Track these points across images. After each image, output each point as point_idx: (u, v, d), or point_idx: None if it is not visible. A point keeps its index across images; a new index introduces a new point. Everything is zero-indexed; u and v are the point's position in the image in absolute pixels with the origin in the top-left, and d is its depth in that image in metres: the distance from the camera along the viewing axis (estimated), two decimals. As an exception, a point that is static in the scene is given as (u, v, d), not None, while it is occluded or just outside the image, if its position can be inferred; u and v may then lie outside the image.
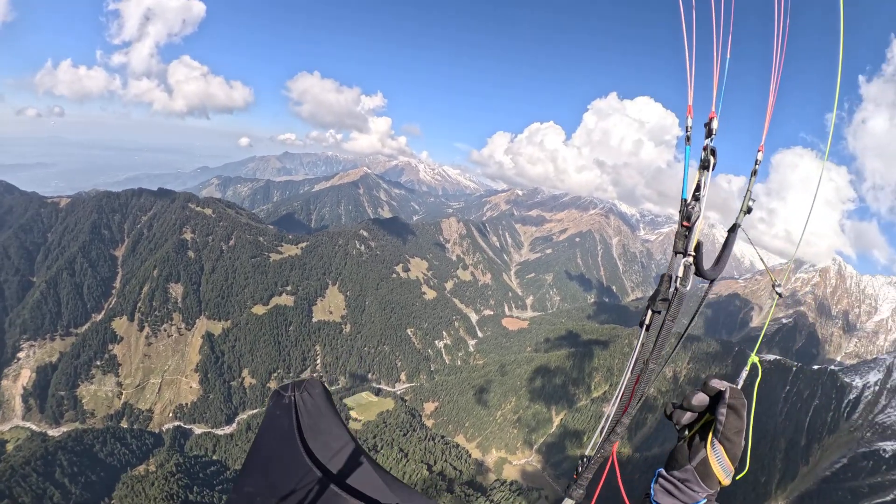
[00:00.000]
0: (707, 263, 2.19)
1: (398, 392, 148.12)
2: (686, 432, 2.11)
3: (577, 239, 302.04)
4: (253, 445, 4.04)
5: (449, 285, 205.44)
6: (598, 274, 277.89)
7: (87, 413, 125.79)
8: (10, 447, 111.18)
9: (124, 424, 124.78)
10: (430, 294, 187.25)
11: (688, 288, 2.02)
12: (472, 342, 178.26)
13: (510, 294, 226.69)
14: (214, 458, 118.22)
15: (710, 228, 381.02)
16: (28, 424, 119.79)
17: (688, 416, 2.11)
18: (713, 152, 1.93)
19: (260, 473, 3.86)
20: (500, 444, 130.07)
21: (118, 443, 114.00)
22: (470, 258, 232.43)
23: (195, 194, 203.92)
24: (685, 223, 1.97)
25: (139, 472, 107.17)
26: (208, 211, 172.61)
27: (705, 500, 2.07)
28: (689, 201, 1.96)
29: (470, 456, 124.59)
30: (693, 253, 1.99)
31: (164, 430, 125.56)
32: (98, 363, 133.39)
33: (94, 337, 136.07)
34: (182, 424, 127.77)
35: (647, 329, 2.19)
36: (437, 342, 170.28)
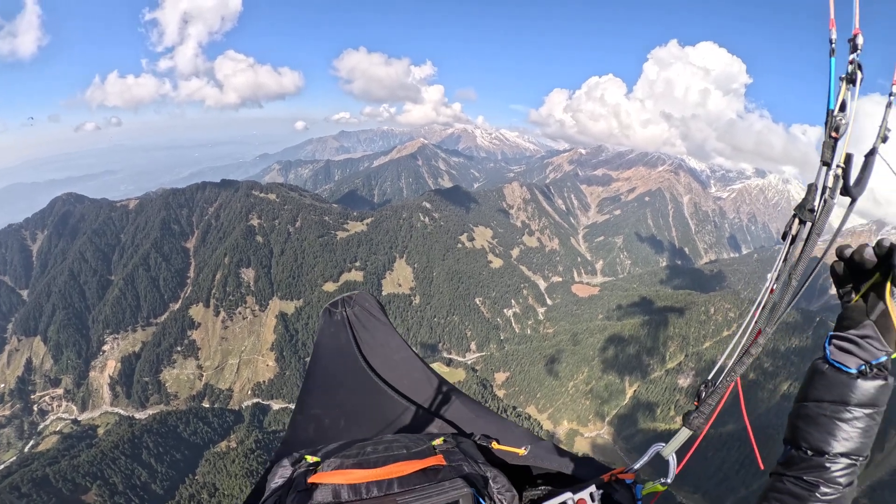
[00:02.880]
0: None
1: (469, 362, 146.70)
2: (851, 296, 1.98)
3: (647, 198, 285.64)
4: (310, 367, 3.98)
5: (515, 252, 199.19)
6: (670, 235, 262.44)
7: (171, 396, 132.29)
8: (100, 431, 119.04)
9: (206, 404, 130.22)
10: (497, 262, 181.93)
11: (835, 200, 1.89)
12: (541, 310, 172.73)
13: (579, 259, 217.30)
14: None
15: (785, 184, 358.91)
16: (116, 410, 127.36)
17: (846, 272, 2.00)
18: (860, 66, 1.82)
19: (324, 393, 3.84)
20: (572, 415, 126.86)
21: (200, 422, 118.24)
22: (535, 223, 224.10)
23: (258, 181, 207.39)
24: (833, 134, 1.84)
25: (221, 448, 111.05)
26: (272, 196, 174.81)
27: (885, 359, 1.91)
28: (835, 112, 1.84)
29: (542, 427, 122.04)
30: (843, 165, 1.85)
31: (243, 407, 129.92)
32: (178, 349, 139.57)
33: (173, 325, 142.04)
34: (260, 401, 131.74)
35: (793, 241, 2.04)
36: (505, 311, 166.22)
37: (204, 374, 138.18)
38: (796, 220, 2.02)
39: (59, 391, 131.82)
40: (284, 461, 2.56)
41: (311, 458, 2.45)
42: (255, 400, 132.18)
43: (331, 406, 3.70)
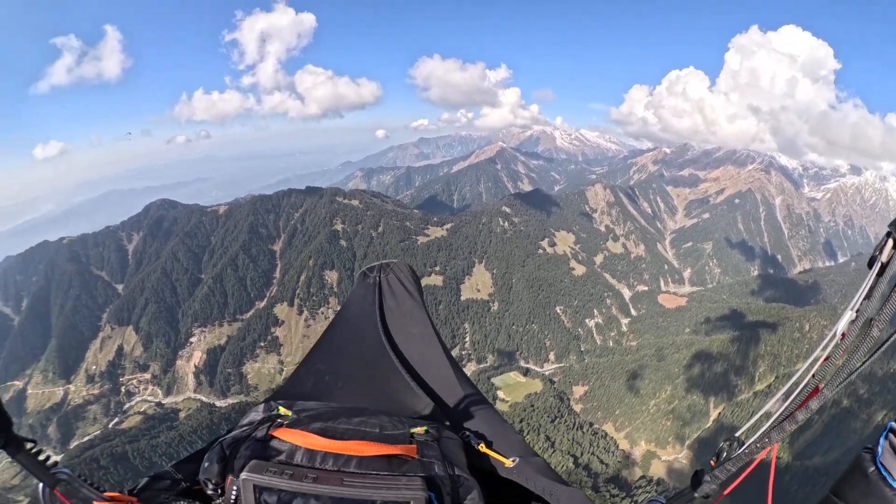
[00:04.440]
0: None
1: (546, 373, 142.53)
2: None
3: (737, 200, 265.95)
4: (331, 324, 3.96)
5: (598, 259, 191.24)
6: (762, 241, 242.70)
7: (251, 387, 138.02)
8: (181, 415, 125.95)
9: None
10: (579, 269, 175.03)
11: None
12: (625, 321, 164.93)
13: (665, 267, 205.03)
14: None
15: (883, 182, 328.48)
16: (198, 396, 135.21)
17: None
18: None
19: (333, 350, 3.80)
20: (651, 436, 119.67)
21: None
22: (620, 228, 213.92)
23: (341, 188, 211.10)
24: None
25: None
26: (355, 202, 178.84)
27: None
28: None
29: (617, 447, 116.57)
30: None
31: None
32: (262, 344, 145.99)
33: (257, 321, 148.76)
34: None
35: (882, 271, 1.44)
36: (587, 321, 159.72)
37: (284, 368, 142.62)
38: (889, 241, 1.45)
39: (147, 376, 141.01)
40: (260, 406, 2.55)
41: (283, 411, 2.42)
42: None
43: (335, 365, 3.62)
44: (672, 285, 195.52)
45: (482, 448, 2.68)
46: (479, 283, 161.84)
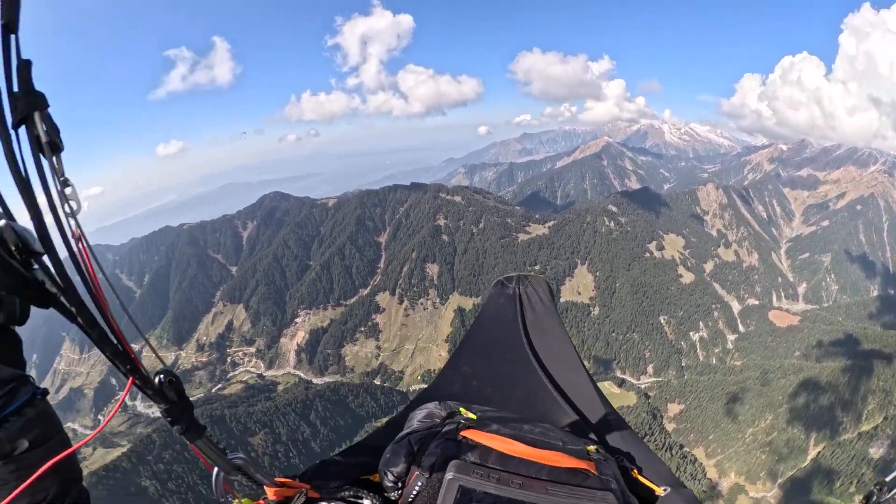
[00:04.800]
0: None
1: (642, 386, 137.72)
2: None
3: (858, 206, 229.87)
4: (471, 328, 4.16)
5: (708, 266, 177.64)
6: (884, 255, 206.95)
7: (348, 369, 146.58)
8: (279, 388, 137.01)
9: (377, 381, 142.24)
10: (687, 277, 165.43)
11: None
12: (731, 337, 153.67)
13: (779, 279, 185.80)
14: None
15: None
16: (297, 372, 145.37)
17: None
18: None
19: (478, 355, 3.91)
20: (742, 468, 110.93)
21: (368, 396, 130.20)
22: (733, 233, 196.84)
23: (444, 184, 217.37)
24: None
25: (380, 424, 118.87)
26: (457, 198, 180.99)
27: None
28: None
29: (705, 475, 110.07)
30: None
31: (410, 390, 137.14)
32: (362, 329, 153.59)
33: (360, 308, 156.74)
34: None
35: None
36: (691, 334, 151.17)
37: (381, 354, 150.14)
38: None
39: (252, 349, 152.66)
40: (432, 405, 2.56)
41: (465, 412, 2.37)
42: (423, 386, 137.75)
43: (482, 369, 3.70)
44: (785, 301, 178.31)
45: (635, 473, 2.61)
46: (580, 286, 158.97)
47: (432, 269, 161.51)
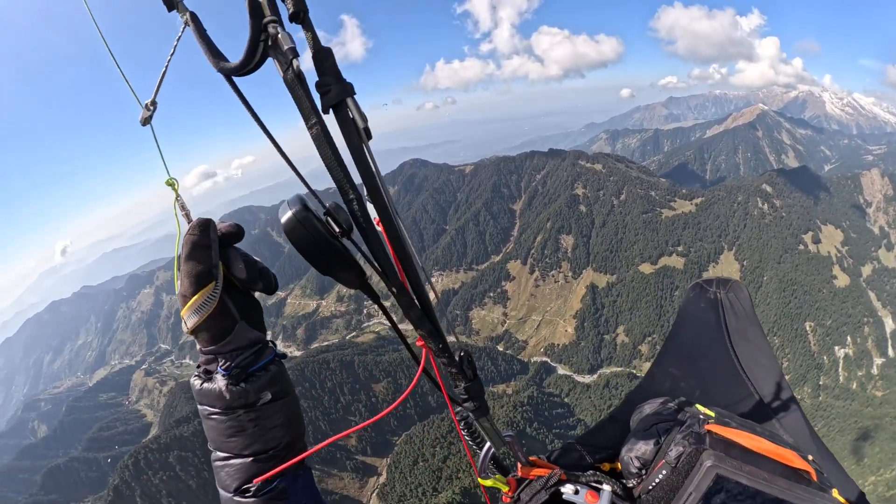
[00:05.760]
0: None
1: None
2: None
3: None
4: (672, 331, 4.12)
5: (866, 270, 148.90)
6: None
7: (474, 331, 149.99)
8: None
9: (500, 348, 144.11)
10: (842, 280, 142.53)
11: None
12: (878, 361, 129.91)
13: None
14: (566, 400, 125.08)
15: None
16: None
17: None
18: None
19: (683, 358, 3.91)
20: None
21: (490, 361, 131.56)
22: None
23: (584, 151, 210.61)
24: None
25: (497, 390, 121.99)
26: (598, 166, 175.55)
27: None
28: None
29: None
30: None
31: (531, 361, 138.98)
32: (491, 294, 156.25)
33: (490, 274, 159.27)
34: (549, 361, 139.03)
35: None
36: (836, 348, 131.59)
37: (507, 321, 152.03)
38: None
39: (386, 304, 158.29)
40: (660, 399, 2.64)
41: (702, 409, 2.42)
42: (544, 359, 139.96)
43: (688, 372, 3.73)
44: None
45: (835, 493, 2.41)
46: (724, 274, 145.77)
47: (567, 241, 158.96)
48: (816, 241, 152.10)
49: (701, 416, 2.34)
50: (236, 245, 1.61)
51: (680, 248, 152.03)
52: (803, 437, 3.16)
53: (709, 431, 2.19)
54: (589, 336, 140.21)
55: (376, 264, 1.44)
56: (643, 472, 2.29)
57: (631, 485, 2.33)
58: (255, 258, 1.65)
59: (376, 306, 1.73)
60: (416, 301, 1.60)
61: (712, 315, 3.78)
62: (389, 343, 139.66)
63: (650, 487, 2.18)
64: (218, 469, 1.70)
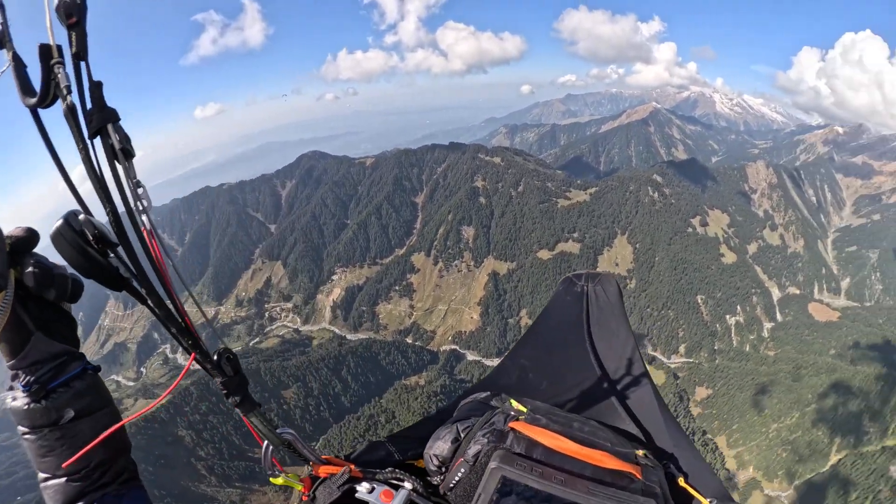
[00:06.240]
0: None
1: (673, 366, 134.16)
2: None
3: None
4: (534, 324, 4.23)
5: (752, 248, 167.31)
6: None
7: (381, 326, 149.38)
8: (314, 343, 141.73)
9: (409, 340, 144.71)
10: (729, 257, 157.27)
11: None
12: (767, 325, 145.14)
13: (823, 270, 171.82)
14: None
15: None
16: (332, 328, 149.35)
17: None
18: None
19: (538, 350, 3.99)
20: (761, 463, 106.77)
21: (400, 354, 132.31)
22: (780, 216, 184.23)
23: (484, 145, 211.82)
24: None
25: (410, 382, 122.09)
26: (497, 160, 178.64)
27: None
28: None
29: (723, 465, 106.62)
30: None
31: (441, 350, 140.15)
32: (396, 288, 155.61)
33: (395, 267, 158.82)
34: (458, 349, 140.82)
35: None
36: (727, 317, 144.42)
37: (414, 313, 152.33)
38: None
39: (289, 305, 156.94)
40: (484, 395, 2.65)
41: (516, 404, 2.40)
42: (453, 347, 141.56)
43: (540, 364, 3.79)
44: (826, 294, 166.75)
45: (681, 482, 2.57)
46: (618, 257, 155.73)
47: (468, 232, 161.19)
48: (704, 224, 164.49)
49: (512, 413, 2.30)
50: (34, 250, 1.60)
51: (575, 235, 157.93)
52: (654, 421, 3.28)
53: (512, 429, 2.15)
54: (494, 321, 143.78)
55: (136, 280, 1.56)
56: (443, 469, 2.28)
57: (436, 482, 2.30)
58: (54, 264, 1.61)
59: (146, 304, 1.67)
60: (173, 312, 1.65)
61: (576, 307, 3.91)
62: (296, 346, 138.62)
63: (451, 485, 2.16)
64: (42, 490, 1.63)
